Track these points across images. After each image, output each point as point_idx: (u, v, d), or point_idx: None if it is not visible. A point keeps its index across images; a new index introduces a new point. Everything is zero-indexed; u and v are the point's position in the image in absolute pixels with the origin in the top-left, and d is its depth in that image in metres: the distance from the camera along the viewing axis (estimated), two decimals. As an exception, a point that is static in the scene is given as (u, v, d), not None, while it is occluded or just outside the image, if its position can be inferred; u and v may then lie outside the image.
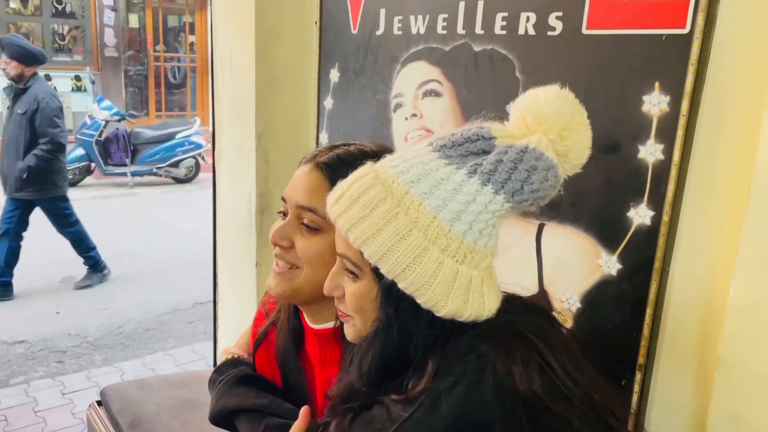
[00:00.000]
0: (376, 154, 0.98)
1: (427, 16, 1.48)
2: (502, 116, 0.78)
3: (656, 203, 1.06)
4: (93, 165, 7.91)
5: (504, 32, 1.30)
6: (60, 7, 10.99)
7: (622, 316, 1.13)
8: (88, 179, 8.00)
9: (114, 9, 11.12)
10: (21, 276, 4.32)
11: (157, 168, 8.13)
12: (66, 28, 11.12)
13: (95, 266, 4.57)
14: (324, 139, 1.87)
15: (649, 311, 1.08)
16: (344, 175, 0.93)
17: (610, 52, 1.12)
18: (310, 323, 1.07)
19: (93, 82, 10.03)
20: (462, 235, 0.72)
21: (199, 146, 8.20)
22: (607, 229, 1.14)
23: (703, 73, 1.00)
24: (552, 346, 0.75)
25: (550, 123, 0.72)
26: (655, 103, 1.05)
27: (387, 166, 0.77)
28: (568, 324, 1.21)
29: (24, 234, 4.29)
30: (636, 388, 1.11)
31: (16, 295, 4.25)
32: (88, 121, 7.88)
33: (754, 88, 0.93)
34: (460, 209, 0.72)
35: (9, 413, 2.90)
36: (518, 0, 1.27)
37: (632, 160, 1.09)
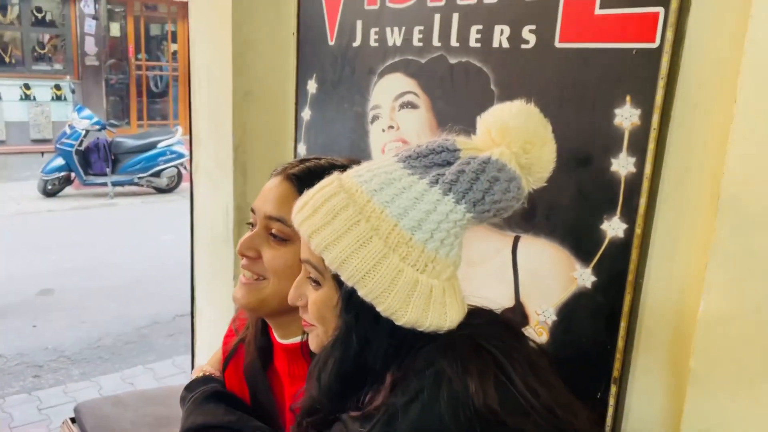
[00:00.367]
0: (347, 168, 0.98)
1: (403, 28, 1.48)
2: (473, 130, 0.78)
3: (629, 216, 1.06)
4: (72, 175, 7.82)
5: (479, 45, 1.30)
6: (40, 16, 10.90)
7: (597, 329, 1.13)
8: (68, 189, 7.91)
9: (95, 18, 11.05)
10: (-3, 289, 4.26)
11: (139, 178, 8.06)
12: (46, 37, 11.02)
13: None
14: (302, 150, 1.87)
15: (623, 324, 1.08)
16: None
17: (582, 65, 1.12)
18: (279, 338, 1.06)
19: (73, 91, 9.95)
20: (423, 244, 0.73)
21: (181, 156, 8.14)
22: (581, 241, 1.14)
23: (673, 87, 1.01)
24: (513, 359, 0.74)
25: (514, 136, 0.73)
26: (626, 117, 1.06)
27: (352, 175, 0.78)
28: (544, 337, 1.21)
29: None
30: (611, 401, 1.11)
31: (-8, 308, 4.19)
32: (68, 131, 7.79)
33: (722, 102, 0.94)
34: (421, 218, 0.73)
35: (-17, 430, 2.85)
36: (492, 13, 1.27)
37: (605, 172, 1.09)
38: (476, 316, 0.80)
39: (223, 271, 2.02)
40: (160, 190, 8.27)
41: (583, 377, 1.14)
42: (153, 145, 8.15)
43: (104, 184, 7.90)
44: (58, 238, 5.94)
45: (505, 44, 1.25)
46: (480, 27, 1.30)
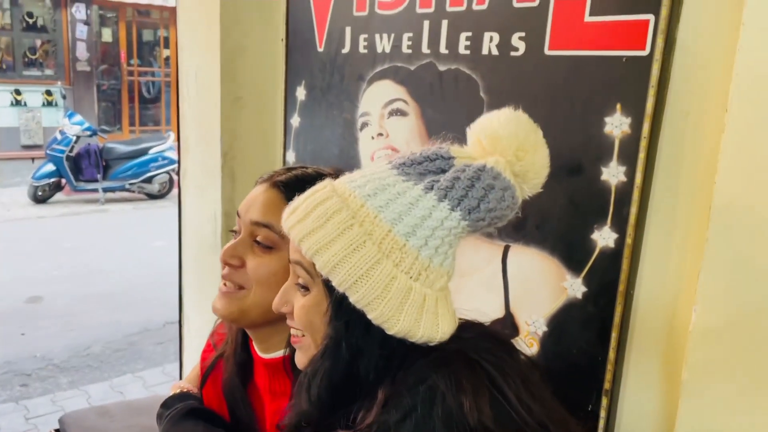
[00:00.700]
0: (335, 177, 0.96)
1: (392, 35, 1.46)
2: (464, 138, 0.77)
3: (620, 225, 1.05)
4: (63, 181, 7.78)
5: (468, 52, 1.29)
6: (31, 21, 10.85)
7: (588, 340, 1.11)
8: (58, 196, 7.86)
9: (86, 23, 11.00)
10: (-16, 296, 4.22)
11: (130, 184, 8.01)
12: (38, 42, 10.97)
13: None
14: (291, 157, 1.85)
15: (614, 335, 1.06)
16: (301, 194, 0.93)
17: (572, 73, 1.11)
18: (260, 352, 1.04)
19: (64, 97, 9.89)
20: (417, 251, 0.71)
21: (173, 161, 8.10)
22: (571, 251, 1.13)
23: (663, 96, 1.00)
24: (506, 374, 0.72)
25: (505, 144, 0.72)
26: (617, 125, 1.05)
27: (345, 181, 0.77)
28: (534, 348, 1.19)
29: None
30: (602, 413, 1.09)
31: (-20, 316, 4.14)
32: (59, 137, 7.75)
33: (713, 110, 0.93)
34: (415, 224, 0.71)
35: (-32, 440, 2.81)
36: (482, 20, 1.26)
37: (595, 181, 1.08)
38: (466, 329, 0.78)
39: (211, 278, 1.99)
40: (152, 196, 8.22)
41: (574, 389, 1.12)
42: (144, 151, 8.11)
43: (95, 191, 7.85)
44: (48, 244, 5.89)
45: (495, 51, 1.24)
46: (469, 34, 1.28)
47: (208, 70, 1.90)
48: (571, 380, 1.12)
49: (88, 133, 7.87)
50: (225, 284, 1.00)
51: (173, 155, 8.10)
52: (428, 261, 0.72)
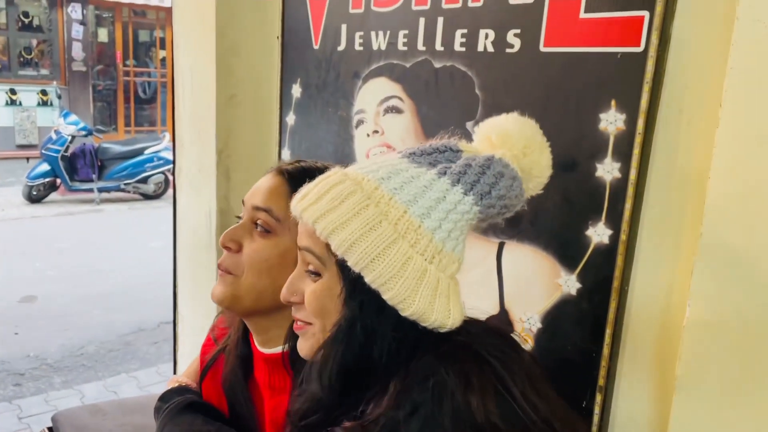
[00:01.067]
0: None
1: (388, 32, 1.46)
2: (463, 133, 0.81)
3: (614, 222, 1.05)
4: (58, 181, 7.75)
5: (463, 49, 1.29)
6: (27, 21, 10.82)
7: (582, 336, 1.11)
8: (53, 195, 7.83)
9: (82, 23, 10.98)
10: (-22, 296, 4.19)
11: (125, 184, 7.99)
12: (33, 42, 10.94)
13: None
14: (286, 155, 1.84)
15: (608, 331, 1.06)
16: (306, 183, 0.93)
17: (567, 69, 1.11)
18: (259, 347, 1.03)
19: (59, 97, 9.86)
20: (431, 233, 0.71)
21: (168, 162, 8.08)
22: (566, 247, 1.13)
23: (658, 92, 1.00)
24: (512, 371, 0.72)
25: (515, 140, 0.75)
26: (611, 121, 1.05)
27: (355, 168, 0.77)
28: (529, 344, 1.19)
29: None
30: (596, 409, 1.09)
31: (-27, 315, 4.12)
32: (54, 136, 7.72)
33: (708, 106, 0.93)
34: (430, 206, 0.71)
35: (-39, 439, 2.79)
36: (477, 17, 1.26)
37: (590, 178, 1.08)
38: (471, 324, 0.78)
39: (206, 277, 1.99)
40: (147, 197, 8.20)
41: (568, 385, 1.12)
42: (140, 152, 8.09)
43: (90, 191, 7.82)
44: (43, 244, 5.87)
45: (490, 48, 1.24)
46: (465, 31, 1.28)
47: (203, 68, 1.89)
48: (565, 377, 1.12)
49: (84, 133, 7.85)
50: (221, 269, 1.00)
51: (169, 155, 8.08)
52: (441, 244, 0.72)
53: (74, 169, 7.81)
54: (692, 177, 0.96)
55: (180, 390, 1.12)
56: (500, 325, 1.17)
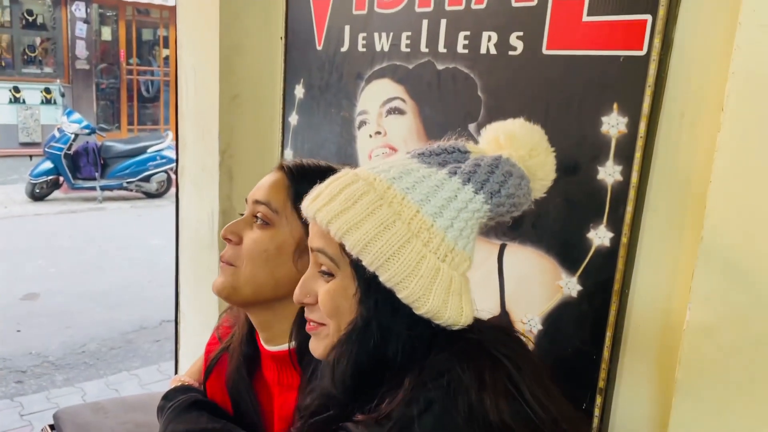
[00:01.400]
0: None
1: (391, 34, 1.47)
2: (467, 135, 0.85)
3: (615, 225, 1.05)
4: (61, 179, 7.75)
5: (466, 51, 1.29)
6: (31, 19, 10.83)
7: (583, 339, 1.11)
8: (56, 193, 7.84)
9: (86, 21, 10.99)
10: (-20, 293, 4.20)
11: (128, 182, 7.99)
12: (37, 40, 10.96)
13: None
14: (288, 155, 1.85)
15: (608, 334, 1.07)
16: (307, 181, 0.94)
17: (569, 72, 1.11)
18: (265, 344, 1.04)
19: (63, 95, 9.88)
20: (444, 231, 0.72)
21: (171, 161, 8.09)
22: (567, 250, 1.13)
23: (660, 95, 1.00)
24: (521, 370, 0.73)
25: (521, 142, 0.77)
26: (613, 125, 1.05)
27: (366, 168, 0.78)
28: (530, 346, 1.19)
29: None
30: (596, 412, 1.09)
31: (-25, 312, 4.13)
32: (57, 134, 7.73)
33: (710, 110, 0.93)
34: (442, 205, 0.72)
35: (-38, 436, 2.80)
36: (480, 19, 1.26)
37: (592, 181, 1.08)
38: (480, 322, 0.79)
39: (208, 276, 1.99)
40: (150, 195, 8.21)
41: (569, 387, 1.11)
42: (143, 150, 8.10)
43: (93, 189, 7.83)
44: (45, 242, 5.88)
45: (493, 50, 1.24)
46: (468, 33, 1.29)
47: (206, 68, 1.90)
48: (565, 379, 1.12)
49: (87, 131, 7.86)
50: (222, 261, 1.02)
51: (171, 154, 8.09)
52: (453, 243, 0.73)
53: (77, 167, 7.82)
54: (693, 181, 0.96)
55: (183, 389, 1.13)
56: (505, 323, 1.18)
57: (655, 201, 1.02)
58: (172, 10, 11.53)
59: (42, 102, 10.57)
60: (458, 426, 0.67)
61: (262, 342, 1.05)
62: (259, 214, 0.99)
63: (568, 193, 1.11)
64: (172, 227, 2.22)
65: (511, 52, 1.21)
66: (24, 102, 10.47)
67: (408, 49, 1.43)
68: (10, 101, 10.38)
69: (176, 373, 2.36)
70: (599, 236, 1.08)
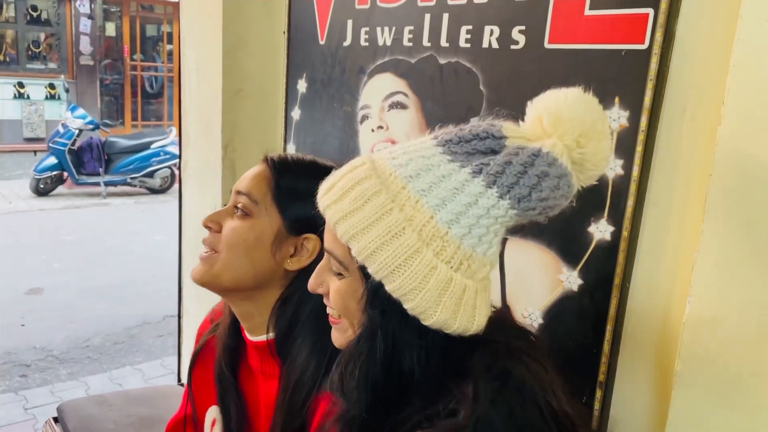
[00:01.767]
0: (330, 168, 0.99)
1: (394, 28, 1.47)
2: (506, 113, 0.73)
3: (616, 218, 1.06)
4: (65, 174, 7.79)
5: (468, 45, 1.29)
6: (35, 15, 10.86)
7: (583, 333, 1.11)
8: (60, 189, 7.88)
9: (90, 17, 11.01)
10: (-15, 287, 4.22)
11: (132, 178, 8.03)
12: (41, 36, 10.99)
13: None
14: (291, 150, 1.85)
15: (609, 327, 1.07)
16: (289, 174, 0.98)
17: (571, 66, 1.11)
18: (248, 334, 1.05)
19: (67, 90, 9.91)
20: (460, 240, 0.67)
21: (174, 156, 8.10)
22: (568, 244, 1.13)
23: (661, 89, 1.00)
24: (546, 373, 0.73)
25: (568, 127, 0.66)
26: (615, 119, 1.05)
27: (386, 157, 0.71)
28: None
29: None
30: (597, 405, 1.09)
31: (-20, 306, 4.15)
32: (61, 130, 7.76)
33: (711, 104, 0.93)
34: (460, 211, 0.66)
35: (-33, 429, 2.82)
36: (482, 13, 1.26)
37: (593, 175, 1.08)
38: (494, 321, 0.75)
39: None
40: (153, 191, 8.24)
41: (569, 381, 1.12)
42: (146, 146, 8.12)
43: (97, 184, 7.86)
44: (49, 237, 5.91)
45: (495, 45, 1.24)
46: (470, 27, 1.29)
47: (209, 63, 1.90)
48: (565, 372, 1.12)
49: (91, 126, 7.89)
50: (203, 250, 1.03)
51: (175, 150, 8.11)
52: (471, 250, 0.67)
53: (81, 163, 7.85)
54: (695, 175, 0.96)
55: None
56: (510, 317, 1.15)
57: (656, 195, 1.02)
58: (176, 5, 11.53)
59: (46, 97, 10.61)
60: (536, 421, 0.66)
61: (245, 331, 1.06)
62: (239, 205, 1.00)
63: (570, 187, 1.11)
64: (176, 223, 2.23)
65: (513, 47, 1.21)
66: (28, 97, 10.51)
67: (410, 44, 1.43)
68: (15, 97, 10.41)
69: (179, 367, 2.37)
70: (600, 230, 1.08)
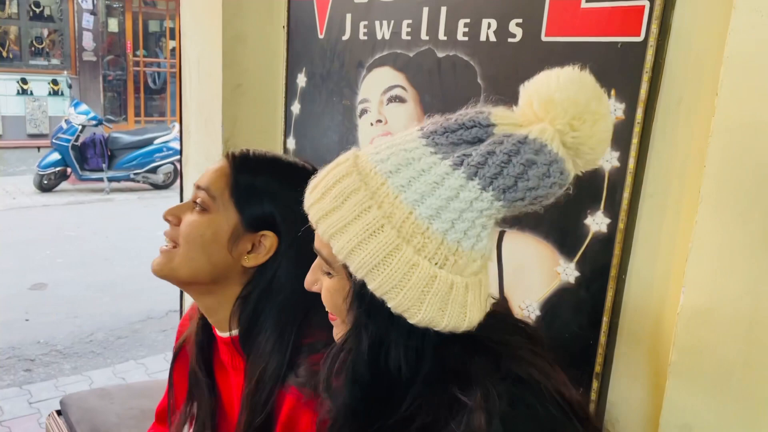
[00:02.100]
0: (291, 165, 1.02)
1: (392, 22, 1.47)
2: (496, 98, 0.71)
3: (612, 211, 1.06)
4: (69, 170, 7.81)
5: (466, 38, 1.30)
6: (38, 11, 10.86)
7: (580, 324, 1.12)
8: (64, 184, 7.90)
9: (93, 13, 11.02)
10: (-11, 282, 4.25)
11: (135, 174, 8.04)
12: (44, 32, 11.00)
13: None
14: (291, 144, 1.86)
15: (605, 319, 1.07)
16: (247, 171, 0.98)
17: (568, 59, 1.10)
18: (216, 329, 1.06)
19: (70, 86, 9.93)
20: (442, 235, 0.64)
21: (177, 152, 8.10)
22: (565, 236, 1.14)
23: (657, 81, 1.00)
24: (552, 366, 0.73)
25: (560, 110, 0.62)
26: (611, 111, 1.05)
27: (369, 152, 0.70)
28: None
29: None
30: (593, 396, 1.10)
31: (-16, 301, 4.18)
32: (65, 126, 7.78)
33: (707, 96, 0.93)
34: (440, 205, 0.64)
35: (-28, 423, 2.84)
36: (480, 6, 1.26)
37: (589, 167, 1.08)
38: (495, 319, 0.73)
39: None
40: (157, 186, 8.25)
41: (565, 372, 1.12)
42: (149, 142, 8.14)
43: (100, 180, 7.88)
44: (53, 232, 5.93)
45: (492, 38, 1.24)
46: (467, 21, 1.29)
47: (209, 57, 1.91)
48: (562, 364, 1.13)
49: (94, 122, 7.91)
50: (164, 243, 1.04)
51: (178, 146, 8.08)
52: (455, 245, 0.65)
53: (84, 159, 7.87)
54: (690, 166, 0.97)
55: None
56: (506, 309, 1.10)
57: (652, 187, 1.02)
58: (178, 1, 11.53)
59: (49, 93, 10.62)
60: (559, 416, 0.66)
61: (214, 327, 1.08)
62: (198, 200, 1.00)
63: (566, 180, 1.12)
64: (178, 217, 2.23)
65: (510, 39, 1.21)
66: (32, 93, 10.52)
67: (408, 37, 1.43)
68: (18, 93, 10.43)
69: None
70: (596, 222, 1.08)
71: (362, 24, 1.56)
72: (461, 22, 1.30)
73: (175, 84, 12.19)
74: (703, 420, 0.90)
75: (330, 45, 1.67)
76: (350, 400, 0.71)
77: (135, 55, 11.95)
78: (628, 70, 1.02)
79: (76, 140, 7.72)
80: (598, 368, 1.09)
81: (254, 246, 0.99)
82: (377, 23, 1.51)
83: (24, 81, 10.48)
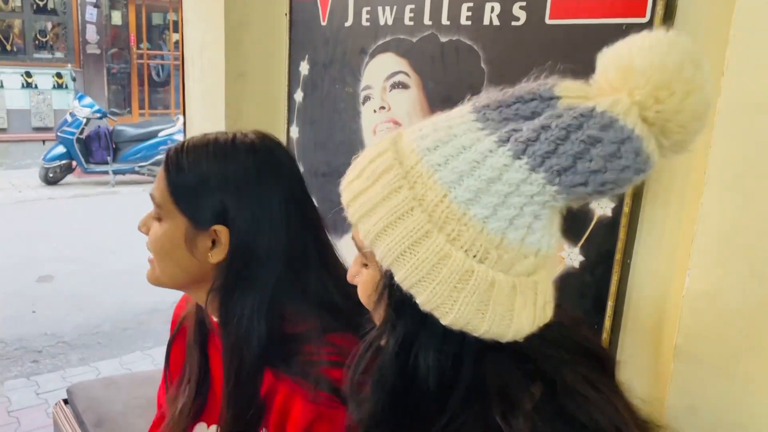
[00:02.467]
0: (236, 141, 0.95)
1: (395, 7, 1.46)
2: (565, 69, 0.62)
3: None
4: (74, 163, 7.83)
5: (469, 23, 1.29)
6: (41, 4, 10.85)
7: (585, 309, 1.12)
8: (69, 177, 7.93)
9: (96, 6, 11.01)
10: (-3, 275, 4.27)
11: (140, 166, 8.05)
12: (48, 25, 11.00)
13: None
14: (294, 132, 1.85)
15: (610, 303, 1.07)
16: (180, 169, 0.93)
17: (572, 42, 1.11)
18: (212, 314, 1.05)
19: (74, 79, 9.93)
20: (481, 223, 0.55)
21: (181, 144, 8.13)
22: (569, 220, 1.12)
23: (662, 63, 0.99)
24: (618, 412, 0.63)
25: (642, 78, 0.51)
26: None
27: (412, 129, 0.61)
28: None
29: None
30: (598, 380, 1.10)
31: (-8, 294, 4.20)
32: (69, 119, 7.79)
33: (712, 77, 0.92)
34: (479, 188, 0.54)
35: (-19, 413, 2.86)
36: (483, -10, 1.25)
37: (594, 150, 1.07)
38: (557, 332, 0.64)
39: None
40: (161, 179, 8.26)
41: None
42: (154, 134, 8.14)
43: (105, 173, 7.90)
44: (59, 225, 5.95)
45: (496, 21, 1.23)
46: (471, 4, 1.28)
47: (212, 46, 1.90)
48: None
49: (98, 115, 7.92)
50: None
51: (182, 138, 8.10)
52: (499, 237, 0.55)
53: (89, 152, 7.89)
54: (695, 148, 0.95)
55: None
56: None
57: (657, 169, 1.01)
58: (182, -7, 11.50)
59: (54, 87, 10.62)
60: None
61: (209, 311, 1.06)
62: (154, 210, 0.99)
63: (571, 164, 1.11)
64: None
65: (514, 23, 1.20)
66: (36, 87, 10.53)
67: (411, 23, 1.42)
68: (23, 86, 10.44)
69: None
70: (601, 206, 1.08)
71: (365, 10, 1.55)
72: (464, 6, 1.29)
73: (179, 77, 12.18)
74: (709, 402, 0.89)
75: (332, 32, 1.66)
76: (377, 408, 0.64)
77: (139, 48, 11.93)
78: (632, 52, 1.01)
79: (81, 133, 7.74)
80: (603, 353, 1.08)
81: (215, 242, 0.95)
82: (380, 9, 1.50)
83: (28, 74, 10.49)
